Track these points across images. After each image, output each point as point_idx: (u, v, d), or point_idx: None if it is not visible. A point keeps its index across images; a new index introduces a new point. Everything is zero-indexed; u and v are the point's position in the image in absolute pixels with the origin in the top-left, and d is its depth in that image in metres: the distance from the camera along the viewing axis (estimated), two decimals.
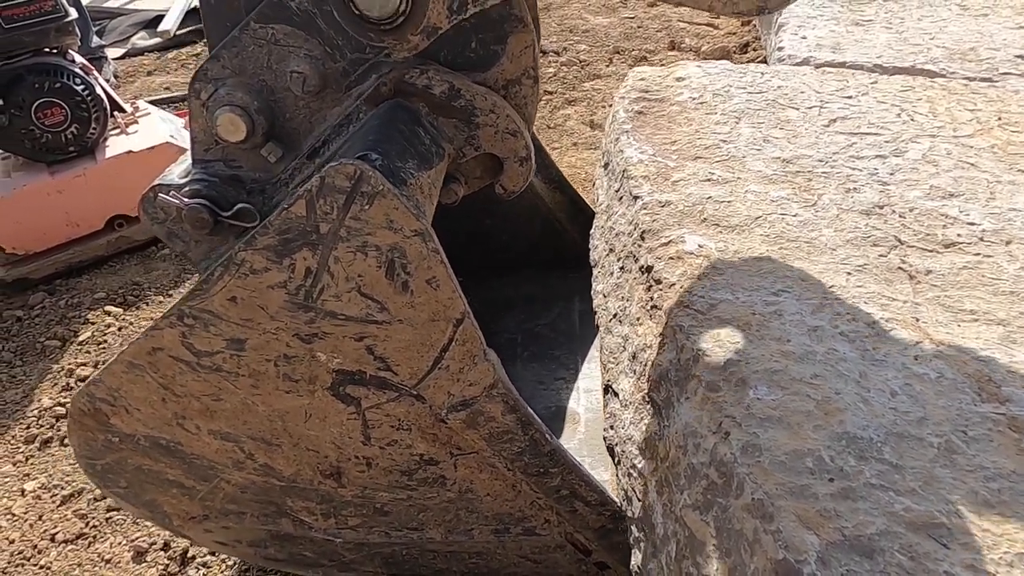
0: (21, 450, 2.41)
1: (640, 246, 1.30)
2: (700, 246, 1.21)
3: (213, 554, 2.00)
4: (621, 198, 1.44)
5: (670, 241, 1.24)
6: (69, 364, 2.71)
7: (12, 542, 2.11)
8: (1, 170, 3.19)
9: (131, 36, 6.36)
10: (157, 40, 6.16)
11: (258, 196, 1.37)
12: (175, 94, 5.10)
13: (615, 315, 1.34)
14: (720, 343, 1.01)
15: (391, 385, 1.23)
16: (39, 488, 2.26)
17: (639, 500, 1.08)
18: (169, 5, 6.67)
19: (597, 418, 1.62)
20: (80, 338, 2.83)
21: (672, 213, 1.32)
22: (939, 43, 2.55)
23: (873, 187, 1.38)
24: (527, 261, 2.19)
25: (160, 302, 3.02)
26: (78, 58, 3.17)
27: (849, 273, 1.18)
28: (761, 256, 1.20)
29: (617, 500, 1.30)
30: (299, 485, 1.42)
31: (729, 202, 1.34)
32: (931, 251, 1.27)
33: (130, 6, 6.98)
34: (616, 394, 1.23)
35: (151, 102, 4.71)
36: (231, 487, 1.45)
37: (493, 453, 1.28)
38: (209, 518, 1.52)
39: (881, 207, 1.35)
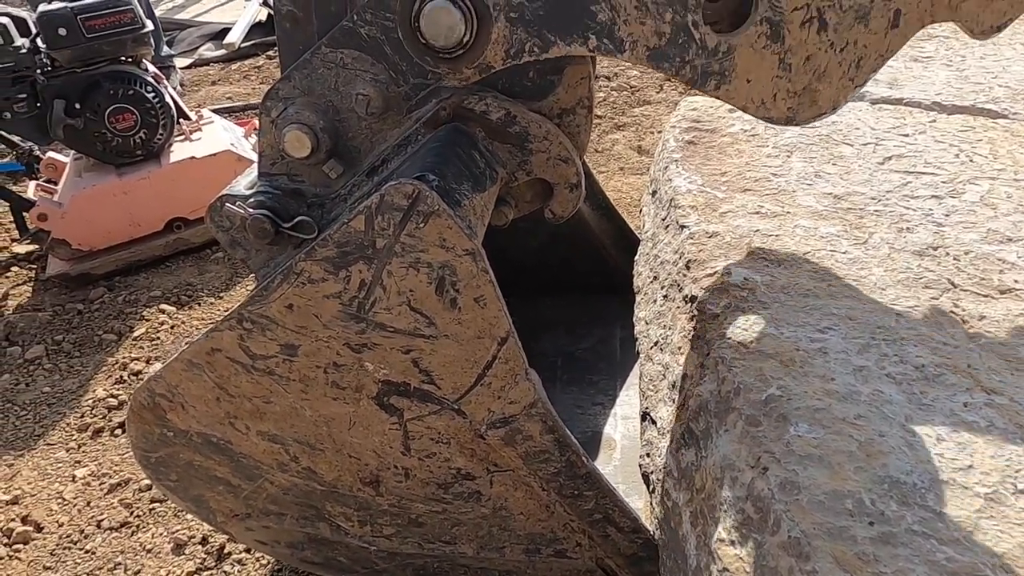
0: (75, 438, 2.51)
1: (685, 275, 1.29)
2: (746, 279, 1.19)
3: (248, 551, 2.03)
4: (668, 227, 1.44)
5: (716, 272, 1.23)
6: (123, 358, 2.82)
7: (61, 525, 2.18)
8: (73, 170, 3.33)
9: (199, 47, 6.67)
10: (222, 52, 6.44)
11: (317, 210, 1.41)
12: (236, 103, 5.30)
13: (656, 343, 1.33)
14: (762, 377, 0.99)
15: (434, 398, 1.25)
16: (89, 475, 2.34)
17: (673, 529, 1.07)
18: (235, 19, 6.99)
19: (633, 446, 1.60)
20: (135, 334, 2.94)
21: (719, 244, 1.31)
22: (1002, 83, 2.42)
23: (927, 227, 1.35)
24: (570, 284, 2.20)
25: (211, 303, 3.11)
26: (151, 67, 3.30)
27: (899, 314, 1.15)
28: (808, 292, 1.18)
29: (650, 528, 1.29)
30: (339, 491, 1.44)
31: (777, 236, 1.33)
32: (986, 296, 1.24)
33: (199, 18, 7.30)
34: (654, 422, 1.22)
35: (214, 110, 4.89)
36: (274, 488, 1.48)
37: (529, 472, 1.28)
38: (251, 516, 1.55)
39: (935, 248, 1.32)
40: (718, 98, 1.08)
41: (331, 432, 1.36)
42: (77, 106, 3.01)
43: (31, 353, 2.83)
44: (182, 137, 3.39)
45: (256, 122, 3.91)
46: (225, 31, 6.68)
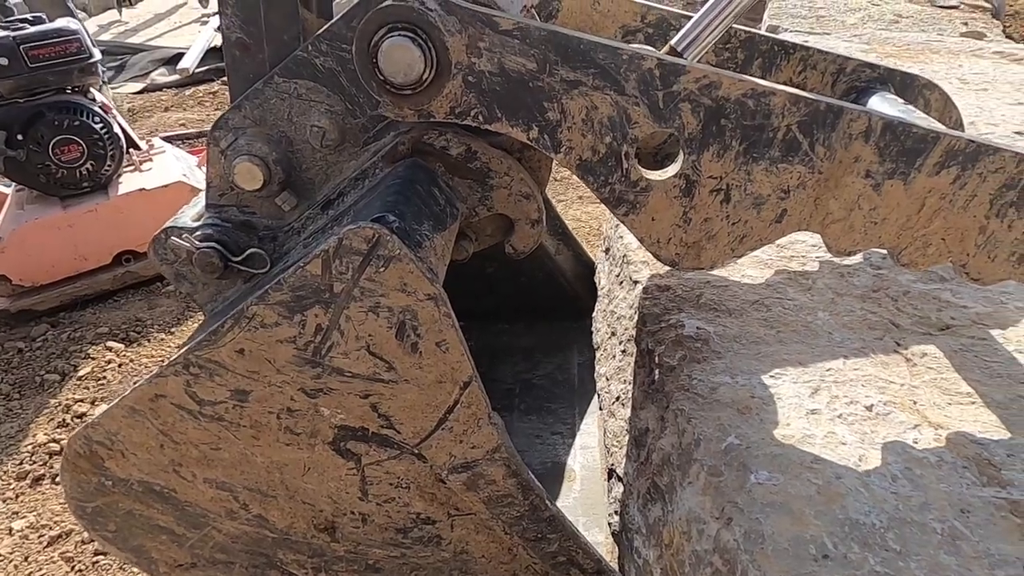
0: (12, 486, 2.36)
1: (641, 330, 1.30)
2: (699, 330, 1.21)
3: None
4: (622, 282, 1.45)
5: (670, 325, 1.25)
6: (67, 400, 2.68)
7: None
8: (15, 202, 3.19)
9: (151, 72, 6.53)
10: (176, 77, 6.31)
11: (269, 243, 1.36)
12: (190, 130, 5.17)
13: (618, 398, 1.34)
14: (721, 427, 1.00)
15: (393, 443, 1.22)
16: (27, 527, 2.21)
17: None
18: (189, 44, 6.92)
19: (593, 476, 1.59)
20: (80, 373, 2.80)
21: (672, 298, 1.33)
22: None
23: (867, 272, 1.39)
24: (527, 311, 2.18)
25: (162, 340, 3.00)
26: (99, 96, 3.20)
27: (846, 356, 1.18)
28: (759, 339, 1.21)
29: (615, 568, 1.27)
30: (291, 538, 1.39)
31: (726, 287, 1.35)
32: (926, 334, 1.28)
33: (151, 43, 7.18)
34: (620, 478, 1.21)
35: (166, 138, 4.76)
36: (222, 536, 1.41)
37: (491, 516, 1.25)
38: (197, 567, 1.47)
39: (876, 291, 1.37)
40: (621, 222, 1.13)
41: (284, 478, 1.31)
42: (19, 137, 2.89)
43: None
44: (132, 168, 3.28)
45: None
46: (179, 56, 6.59)
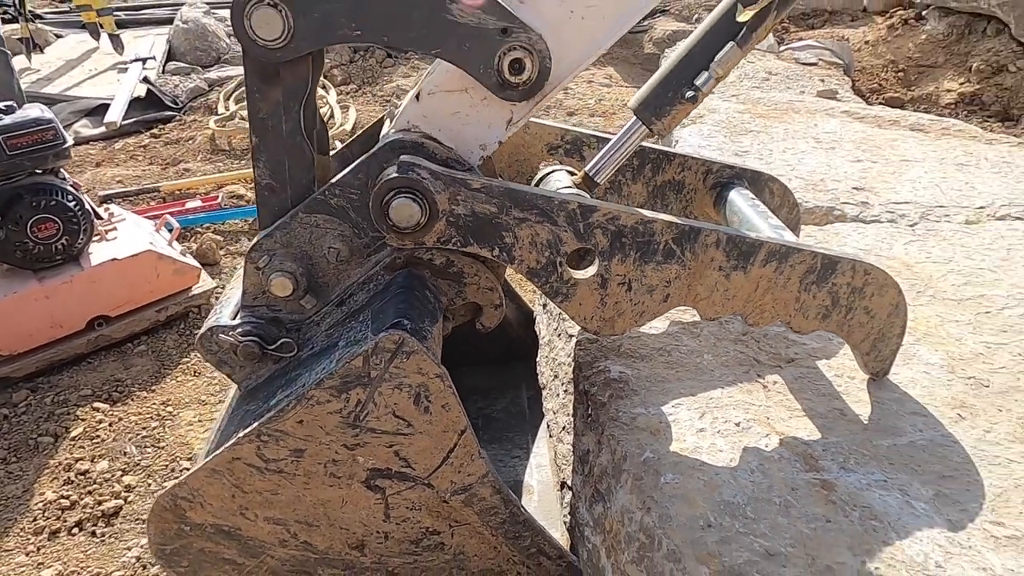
0: (31, 541, 2.49)
1: (578, 375, 1.72)
2: (621, 374, 1.64)
3: None
4: (559, 335, 1.87)
5: (600, 370, 1.67)
6: (66, 459, 2.81)
7: None
8: None
9: (73, 123, 6.26)
10: (102, 130, 6.12)
11: (294, 333, 1.68)
12: (129, 188, 5.09)
13: (563, 427, 1.74)
14: (640, 445, 1.43)
15: (410, 477, 1.56)
16: (56, 575, 2.38)
17: (594, 564, 1.47)
18: (109, 93, 6.72)
19: (547, 489, 1.94)
20: (72, 434, 2.93)
21: (599, 348, 1.76)
22: (798, 174, 2.82)
23: (739, 320, 1.85)
24: (483, 356, 2.49)
25: (145, 397, 3.17)
26: (67, 175, 3.36)
27: (723, 387, 1.63)
28: (663, 379, 1.65)
29: (571, 554, 1.67)
30: (329, 556, 1.70)
31: (638, 337, 1.79)
32: (776, 366, 1.74)
33: (69, 92, 6.90)
34: (571, 488, 1.62)
35: (106, 197, 4.79)
36: (274, 561, 1.71)
37: (482, 523, 1.61)
38: None
39: (744, 335, 1.83)
40: (557, 307, 1.54)
41: (326, 511, 1.62)
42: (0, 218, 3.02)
43: None
44: (98, 237, 3.39)
45: (167, 217, 4.00)
46: (101, 107, 6.42)
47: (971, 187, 2.68)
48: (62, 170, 3.32)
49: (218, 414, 2.01)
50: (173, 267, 3.52)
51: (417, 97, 1.51)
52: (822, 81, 5.34)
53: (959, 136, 3.34)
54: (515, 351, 2.45)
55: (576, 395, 1.69)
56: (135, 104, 6.54)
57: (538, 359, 2.07)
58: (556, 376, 1.84)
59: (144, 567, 2.44)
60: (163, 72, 7.46)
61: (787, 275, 1.50)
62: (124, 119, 6.23)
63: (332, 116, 5.97)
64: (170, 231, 3.76)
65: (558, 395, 1.80)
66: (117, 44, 7.57)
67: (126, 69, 7.27)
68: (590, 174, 1.63)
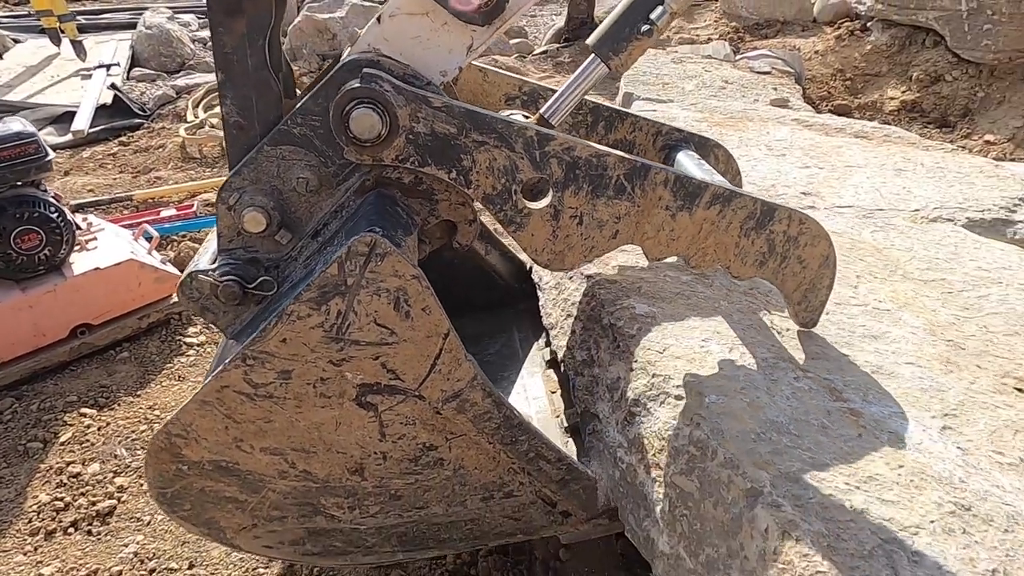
0: (29, 542, 2.37)
1: (601, 311, 1.73)
2: (648, 310, 1.66)
3: None
4: (572, 277, 1.88)
5: (625, 307, 1.69)
6: (57, 463, 2.68)
7: None
8: None
9: (39, 131, 6.11)
10: (68, 138, 5.90)
11: (273, 271, 1.63)
12: (101, 197, 4.93)
13: (583, 361, 1.74)
14: (677, 370, 1.45)
15: (400, 390, 1.51)
16: (56, 572, 2.26)
17: (630, 482, 1.47)
18: (74, 100, 6.48)
19: (545, 418, 1.90)
20: (62, 439, 2.80)
21: (620, 288, 1.77)
22: (751, 180, 2.84)
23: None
24: (471, 304, 2.42)
25: (131, 402, 3.04)
26: (49, 188, 3.29)
27: (744, 329, 1.66)
28: (687, 317, 1.67)
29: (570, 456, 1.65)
30: (330, 484, 1.64)
31: (655, 282, 1.82)
32: (784, 316, 1.79)
33: (32, 100, 6.65)
34: (596, 415, 1.62)
35: (79, 205, 4.63)
36: (276, 495, 1.65)
37: (477, 431, 1.57)
38: (257, 526, 1.69)
39: (751, 288, 1.88)
40: (510, 236, 1.55)
41: (321, 435, 1.57)
42: None
43: None
44: (79, 247, 3.30)
45: (146, 226, 3.91)
46: (67, 115, 6.18)
47: (908, 191, 2.78)
48: (43, 182, 3.24)
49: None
50: (154, 275, 3.47)
51: (379, 20, 1.49)
52: (775, 89, 5.49)
53: (899, 143, 3.47)
54: (502, 298, 2.41)
55: (599, 329, 1.69)
56: (101, 111, 6.32)
57: (542, 302, 2.06)
58: (569, 315, 1.84)
59: (142, 561, 2.33)
60: (128, 79, 7.22)
61: (729, 219, 1.52)
62: (91, 127, 6.02)
63: None
64: (149, 240, 3.70)
65: (574, 332, 1.80)
66: (80, 50, 7.30)
67: (90, 75, 7.02)
68: (545, 116, 1.63)
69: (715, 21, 7.38)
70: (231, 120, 1.55)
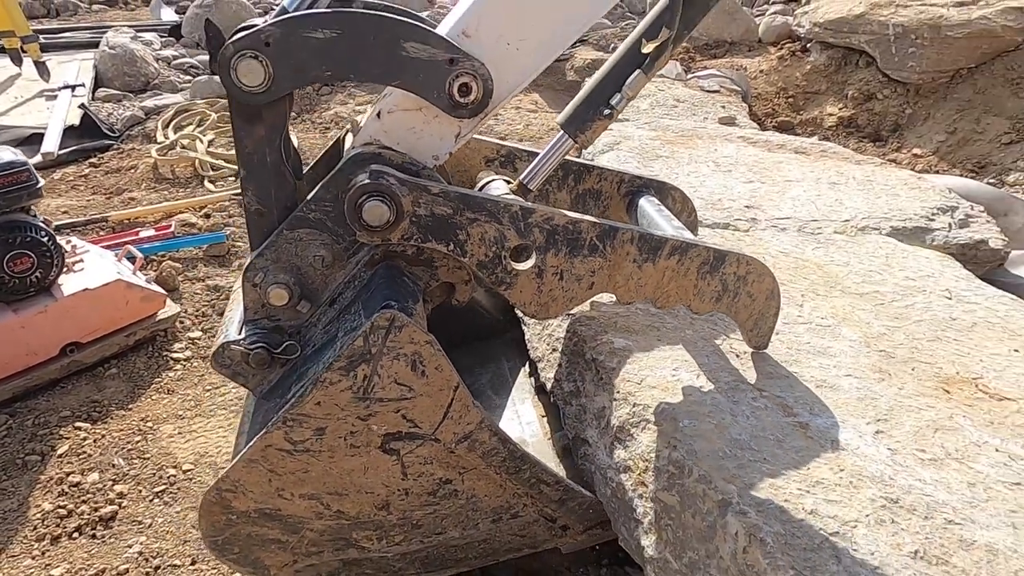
0: (36, 546, 2.47)
1: (584, 346, 1.92)
2: (624, 344, 1.86)
3: None
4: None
5: (604, 342, 1.89)
6: (57, 474, 2.78)
7: None
8: None
9: None
10: (38, 159, 5.78)
11: (295, 336, 1.80)
12: (77, 219, 4.91)
13: (570, 392, 1.94)
14: (654, 399, 1.66)
15: (418, 436, 1.70)
16: (65, 574, 2.37)
17: (619, 499, 1.68)
18: (40, 122, 6.36)
19: (539, 440, 2.10)
20: (59, 451, 2.90)
21: (598, 325, 1.98)
22: (699, 195, 2.97)
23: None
24: (461, 337, 2.57)
25: (123, 415, 3.14)
26: (38, 213, 3.33)
27: (707, 355, 1.88)
28: (658, 348, 1.88)
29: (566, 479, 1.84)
30: (360, 520, 1.82)
31: (628, 316, 2.03)
32: (740, 339, 2.00)
33: None
34: (586, 441, 1.82)
35: (57, 227, 4.60)
36: (313, 533, 1.82)
37: (487, 465, 1.75)
38: (297, 561, 1.86)
39: (710, 317, 2.09)
40: (502, 294, 1.72)
41: (352, 479, 1.75)
42: None
43: None
44: (66, 270, 3.39)
45: (129, 247, 3.95)
46: (35, 136, 6.08)
47: (840, 203, 3.00)
48: (32, 207, 3.29)
49: (237, 422, 2.07)
50: (141, 294, 3.56)
51: (378, 115, 1.67)
52: (723, 107, 5.70)
53: (834, 158, 3.68)
54: (489, 330, 2.59)
55: (583, 363, 1.90)
56: (69, 132, 6.23)
57: (528, 336, 2.25)
58: (554, 350, 2.04)
59: (147, 560, 2.46)
60: (93, 99, 7.12)
61: (687, 266, 1.73)
62: (60, 148, 5.93)
63: None
64: (132, 261, 3.79)
65: (560, 365, 2.01)
66: (43, 71, 7.18)
67: (55, 96, 6.91)
68: (524, 182, 1.85)
69: None
70: (252, 208, 1.73)
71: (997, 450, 1.68)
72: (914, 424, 1.74)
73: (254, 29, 1.53)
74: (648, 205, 2.08)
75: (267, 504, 1.75)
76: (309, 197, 1.68)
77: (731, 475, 1.43)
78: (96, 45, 8.67)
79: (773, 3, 8.70)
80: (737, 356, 1.94)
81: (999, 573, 1.36)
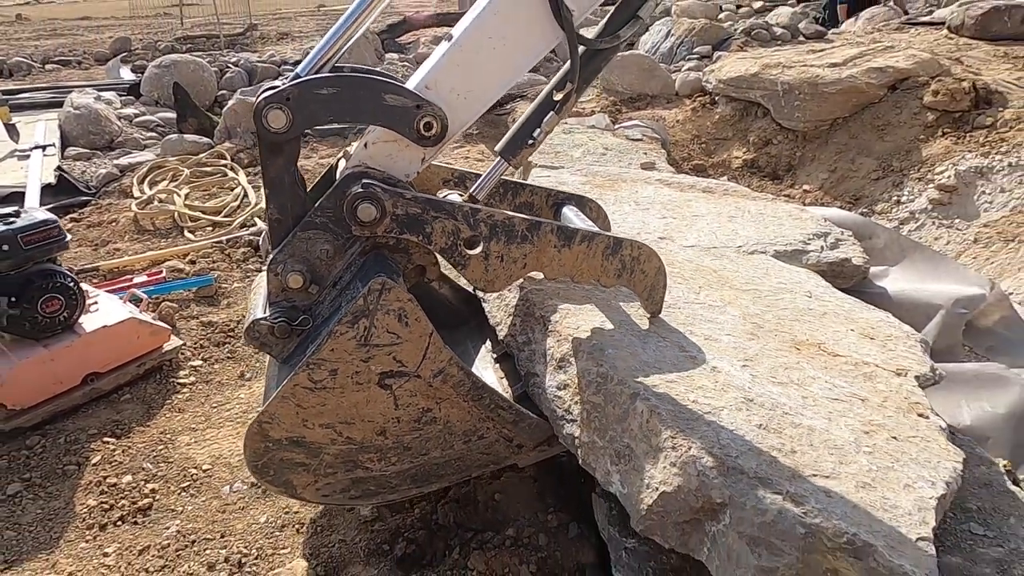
0: (87, 534, 2.88)
1: (533, 308, 2.49)
2: (564, 306, 2.44)
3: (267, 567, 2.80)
4: (510, 289, 2.58)
5: (551, 305, 2.46)
6: (94, 479, 3.19)
7: None
8: None
9: None
10: None
11: (308, 312, 2.27)
12: (84, 266, 5.34)
13: (523, 341, 2.46)
14: (589, 339, 2.24)
15: (405, 373, 2.07)
16: (118, 549, 2.80)
17: (560, 407, 2.21)
18: (16, 181, 6.71)
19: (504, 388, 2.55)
20: (93, 461, 3.31)
21: (545, 293, 2.54)
22: (622, 230, 3.31)
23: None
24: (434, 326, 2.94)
25: (144, 431, 3.59)
26: (61, 262, 3.90)
27: (625, 316, 2.43)
28: (591, 310, 2.46)
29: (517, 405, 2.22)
30: (364, 444, 2.17)
31: (569, 287, 2.56)
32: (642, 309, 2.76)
33: None
34: (535, 374, 2.35)
35: None
36: (329, 456, 2.17)
37: (457, 394, 2.12)
38: (317, 481, 2.22)
39: (622, 289, 2.83)
40: (459, 273, 2.15)
41: (358, 411, 2.11)
42: (13, 299, 3.54)
43: (11, 489, 3.13)
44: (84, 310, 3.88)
45: (134, 291, 4.55)
46: (12, 195, 6.43)
47: (736, 233, 3.51)
48: (58, 257, 3.85)
49: (262, 382, 2.57)
50: (150, 330, 4.10)
51: (365, 145, 2.13)
52: (645, 154, 6.33)
53: (734, 195, 4.21)
54: (453, 319, 3.01)
55: (533, 320, 2.45)
56: (46, 191, 6.60)
57: (488, 308, 2.75)
58: (510, 314, 2.58)
59: (184, 536, 2.88)
60: (63, 157, 7.49)
61: (594, 250, 2.19)
62: (40, 206, 6.25)
63: (246, 196, 6.44)
64: (138, 302, 4.39)
65: (515, 324, 2.55)
66: (13, 133, 7.59)
67: (27, 156, 7.27)
68: (473, 194, 2.31)
69: (597, 96, 8.60)
70: (273, 217, 2.25)
71: (826, 381, 2.29)
72: (771, 364, 2.26)
73: (278, 89, 2.09)
74: (570, 212, 2.69)
75: (295, 432, 2.10)
76: (316, 206, 2.19)
77: (640, 379, 2.05)
78: (57, 105, 9.06)
79: (687, 60, 9.95)
80: (646, 319, 2.49)
81: (813, 441, 1.96)
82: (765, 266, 3.32)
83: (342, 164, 2.40)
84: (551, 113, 2.30)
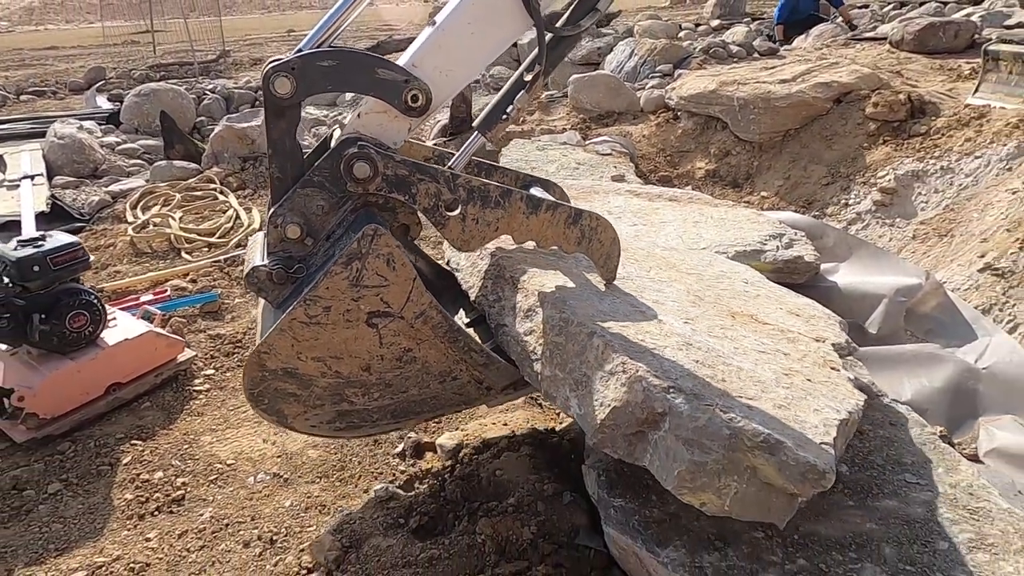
0: (128, 523, 3.09)
1: (504, 271, 2.71)
2: (531, 268, 2.67)
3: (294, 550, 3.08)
4: (481, 256, 2.83)
5: (519, 268, 2.68)
6: (128, 476, 3.40)
7: (161, 558, 2.95)
8: (22, 362, 3.92)
9: None
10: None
11: (303, 262, 2.41)
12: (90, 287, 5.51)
13: (494, 299, 2.67)
14: (553, 293, 2.48)
15: (390, 314, 2.21)
16: (159, 535, 3.01)
17: (526, 350, 2.43)
18: (10, 210, 6.82)
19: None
20: (124, 461, 3.52)
21: (514, 259, 2.76)
22: None
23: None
24: None
25: (166, 434, 3.80)
26: (83, 282, 4.20)
27: (586, 280, 2.68)
28: (555, 273, 2.69)
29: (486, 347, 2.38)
30: (351, 379, 2.29)
31: (535, 255, 2.79)
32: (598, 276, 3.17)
33: None
34: (504, 324, 2.56)
35: None
36: (319, 388, 2.28)
37: (435, 336, 2.27)
38: (307, 412, 2.33)
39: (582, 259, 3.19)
40: (439, 232, 2.29)
41: (346, 347, 2.23)
42: (43, 316, 3.81)
43: (52, 488, 3.35)
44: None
45: (146, 307, 4.87)
46: (8, 224, 6.56)
47: (699, 236, 3.77)
48: (80, 276, 4.13)
49: (258, 326, 2.72)
50: (167, 342, 4.36)
51: (358, 115, 2.29)
52: (615, 167, 6.53)
53: (698, 203, 4.45)
54: (432, 289, 3.13)
55: (503, 281, 2.68)
56: (40, 218, 6.72)
57: (461, 276, 2.95)
58: (484, 275, 2.79)
59: (218, 520, 3.11)
60: (52, 186, 7.64)
61: (557, 218, 2.37)
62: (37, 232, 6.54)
63: (239, 217, 6.71)
64: (151, 318, 4.71)
65: (486, 287, 2.76)
66: (0, 164, 7.80)
67: (17, 186, 7.40)
68: (452, 166, 2.48)
69: (567, 114, 9.05)
70: (275, 176, 2.41)
71: (755, 340, 2.59)
72: (708, 324, 2.53)
73: (284, 60, 2.28)
74: (536, 190, 2.86)
75: (289, 364, 2.22)
76: (314, 166, 2.35)
77: (597, 322, 2.31)
78: (38, 135, 9.16)
79: (651, 78, 10.52)
80: (602, 285, 2.73)
81: (741, 376, 2.23)
82: (709, 258, 3.62)
83: (336, 134, 2.60)
84: (522, 92, 2.57)
